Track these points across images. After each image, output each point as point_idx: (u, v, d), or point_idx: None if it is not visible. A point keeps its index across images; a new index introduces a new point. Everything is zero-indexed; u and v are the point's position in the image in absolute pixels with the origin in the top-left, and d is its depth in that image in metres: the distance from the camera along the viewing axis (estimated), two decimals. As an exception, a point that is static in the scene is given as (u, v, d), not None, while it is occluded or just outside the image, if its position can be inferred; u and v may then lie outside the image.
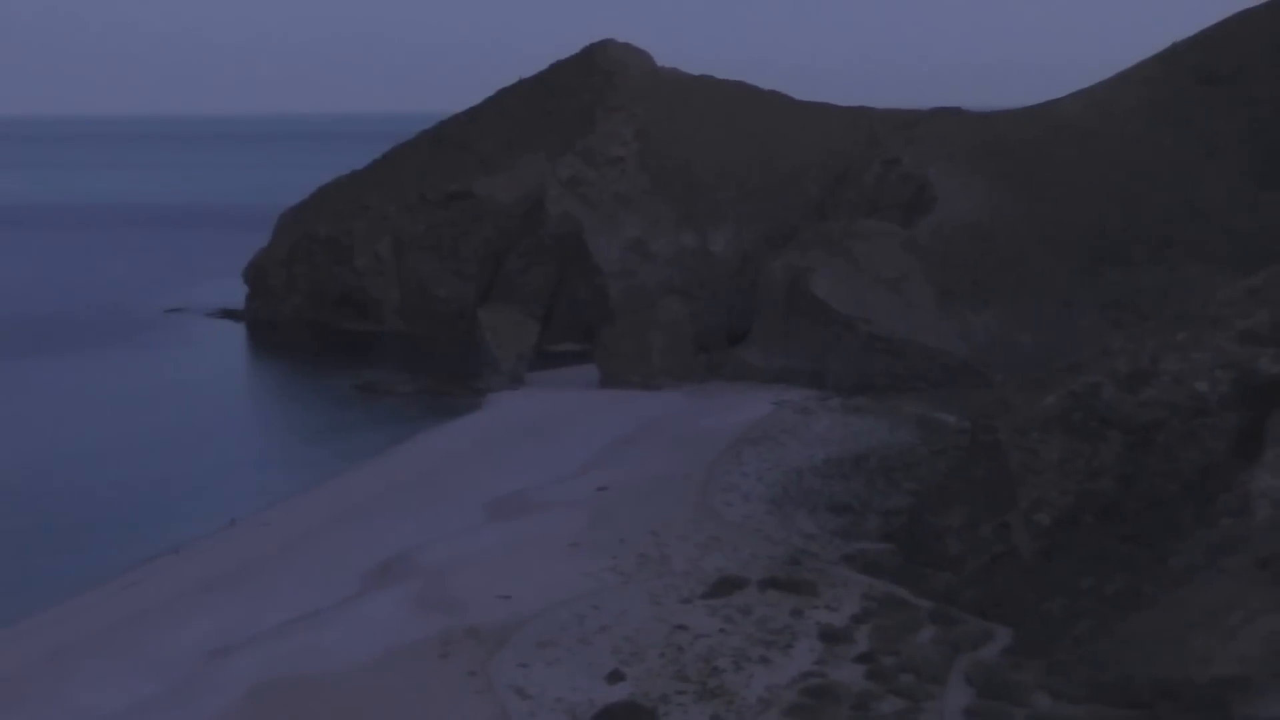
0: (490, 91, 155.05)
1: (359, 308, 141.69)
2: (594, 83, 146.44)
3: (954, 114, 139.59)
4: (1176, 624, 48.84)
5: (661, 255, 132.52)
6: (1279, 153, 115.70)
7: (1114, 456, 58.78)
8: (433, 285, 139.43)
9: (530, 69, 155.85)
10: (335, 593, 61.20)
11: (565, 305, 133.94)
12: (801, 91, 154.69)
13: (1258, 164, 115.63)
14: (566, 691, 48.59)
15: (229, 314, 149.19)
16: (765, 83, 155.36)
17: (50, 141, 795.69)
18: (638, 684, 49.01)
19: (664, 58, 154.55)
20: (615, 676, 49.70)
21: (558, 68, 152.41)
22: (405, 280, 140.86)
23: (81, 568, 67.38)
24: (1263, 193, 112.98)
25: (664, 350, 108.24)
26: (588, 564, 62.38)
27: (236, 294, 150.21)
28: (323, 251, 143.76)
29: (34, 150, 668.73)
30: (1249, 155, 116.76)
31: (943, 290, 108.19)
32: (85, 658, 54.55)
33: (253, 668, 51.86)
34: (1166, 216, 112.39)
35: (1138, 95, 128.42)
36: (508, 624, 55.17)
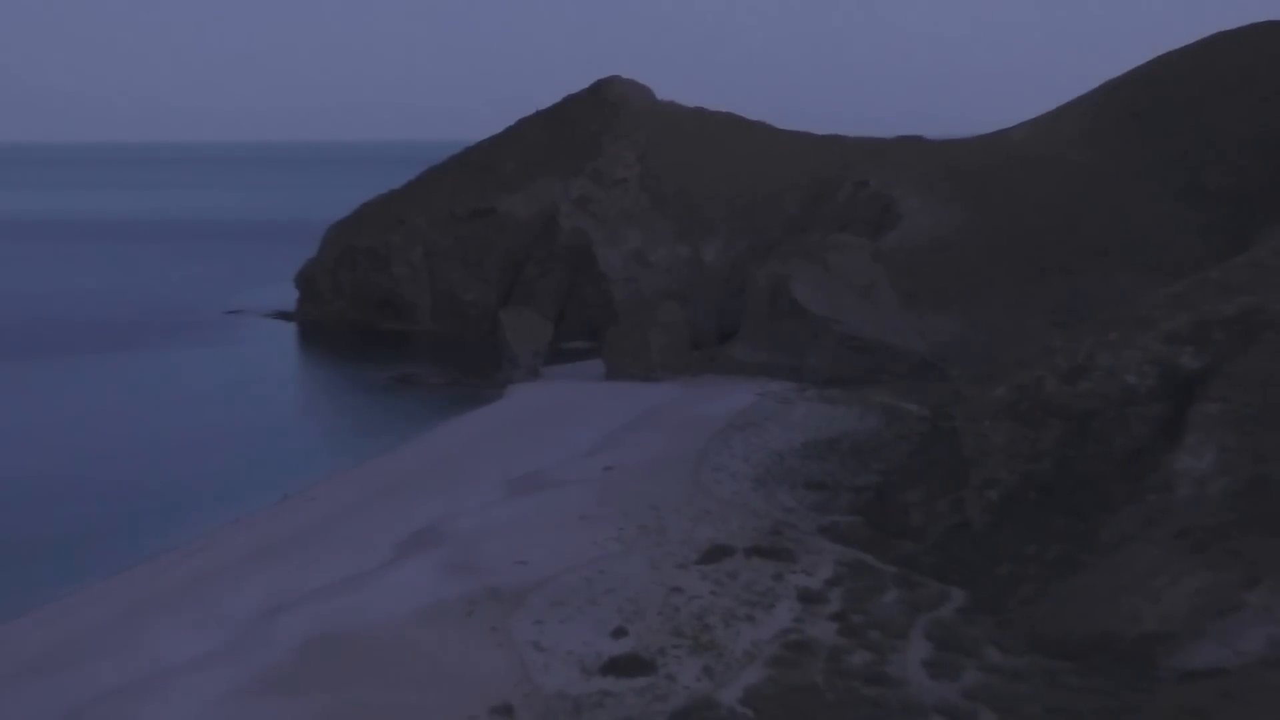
0: (510, 121, 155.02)
1: (396, 310, 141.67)
2: (601, 114, 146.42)
3: (916, 142, 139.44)
4: (1109, 586, 48.87)
5: (660, 264, 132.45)
6: (1197, 175, 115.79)
7: (1054, 441, 58.78)
8: (460, 290, 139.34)
9: (545, 102, 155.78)
10: (374, 559, 61.15)
11: (576, 307, 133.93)
12: (783, 121, 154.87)
13: (1179, 185, 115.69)
14: (577, 645, 48.59)
15: (282, 315, 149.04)
16: (751, 113, 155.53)
17: (123, 165, 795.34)
18: (639, 639, 49.00)
19: (663, 92, 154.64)
20: (619, 632, 49.68)
21: (569, 101, 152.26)
22: (436, 286, 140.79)
23: (153, 537, 67.35)
24: (1184, 211, 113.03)
25: (662, 347, 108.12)
26: (595, 534, 62.32)
27: (289, 298, 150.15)
28: (364, 260, 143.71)
29: (108, 172, 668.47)
30: (1172, 178, 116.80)
31: (906, 295, 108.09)
32: (157, 614, 54.55)
33: (302, 624, 51.83)
34: (1101, 231, 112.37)
35: (1077, 126, 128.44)
36: (525, 586, 55.14)
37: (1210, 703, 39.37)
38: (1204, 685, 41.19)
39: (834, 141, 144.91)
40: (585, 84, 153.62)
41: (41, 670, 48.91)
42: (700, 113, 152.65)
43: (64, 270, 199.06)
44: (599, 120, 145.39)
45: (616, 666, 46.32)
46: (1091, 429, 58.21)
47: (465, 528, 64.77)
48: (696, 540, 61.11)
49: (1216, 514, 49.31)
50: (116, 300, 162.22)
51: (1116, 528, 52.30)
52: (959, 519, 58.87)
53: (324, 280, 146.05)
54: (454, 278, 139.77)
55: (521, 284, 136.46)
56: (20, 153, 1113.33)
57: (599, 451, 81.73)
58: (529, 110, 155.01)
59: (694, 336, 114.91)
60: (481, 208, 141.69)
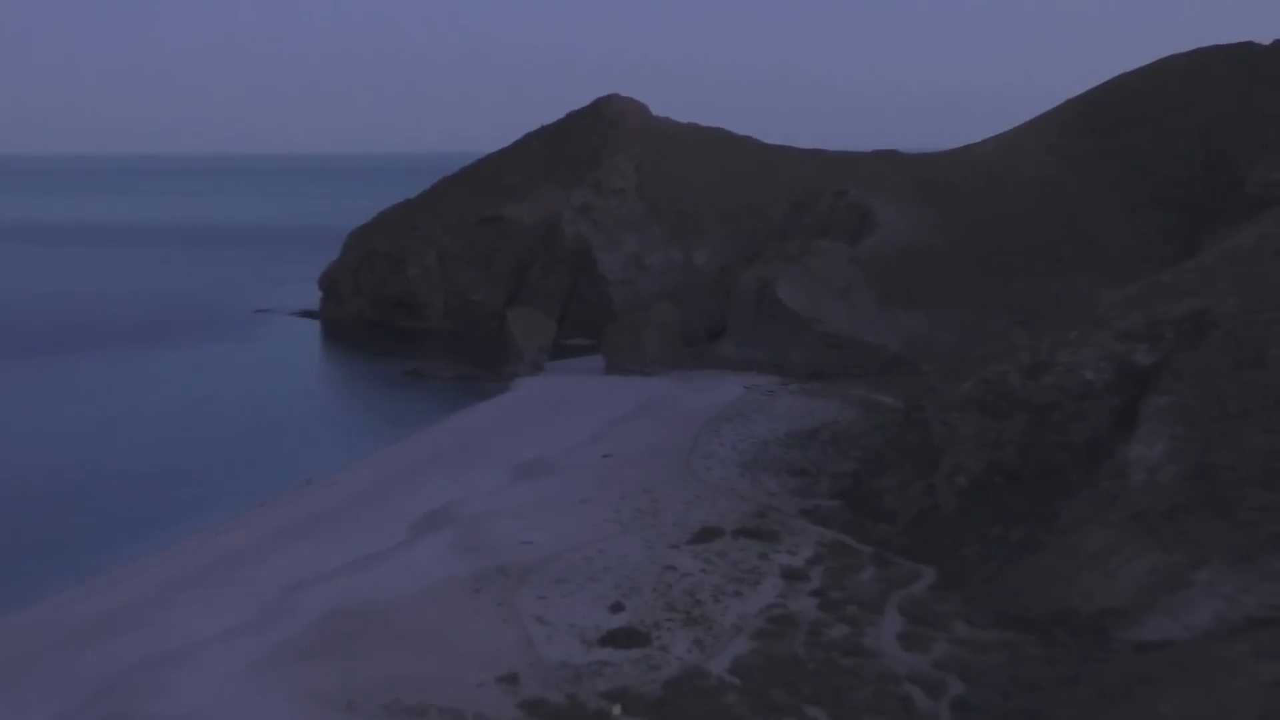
0: (517, 135, 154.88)
1: (410, 309, 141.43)
2: (601, 129, 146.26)
3: (892, 155, 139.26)
4: (1067, 565, 48.85)
5: (655, 267, 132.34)
6: (1149, 186, 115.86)
7: (1018, 431, 58.72)
8: (470, 291, 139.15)
9: (549, 117, 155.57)
10: (389, 539, 61.02)
11: (577, 307, 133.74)
12: (769, 136, 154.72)
13: (1131, 196, 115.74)
14: (578, 619, 48.52)
15: (306, 314, 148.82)
16: (740, 129, 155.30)
17: (156, 175, 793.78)
18: (635, 613, 48.93)
19: (658, 109, 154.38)
20: (617, 607, 49.61)
21: (571, 116, 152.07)
22: (448, 287, 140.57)
23: (185, 519, 67.20)
24: (1137, 219, 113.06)
25: (657, 344, 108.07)
26: (595, 516, 62.26)
27: (312, 298, 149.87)
28: (382, 264, 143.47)
29: (141, 182, 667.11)
30: (1126, 189, 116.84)
31: (881, 296, 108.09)
32: (189, 589, 54.47)
33: (322, 599, 51.70)
34: (1061, 237, 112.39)
35: (1038, 140, 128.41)
36: (530, 564, 55.06)
37: (1160, 672, 39.32)
38: (1155, 656, 41.15)
39: (816, 155, 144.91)
40: (586, 101, 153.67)
41: (82, 641, 48.80)
42: (693, 128, 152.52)
43: (99, 273, 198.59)
44: (599, 135, 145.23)
45: (614, 638, 46.27)
46: (1052, 420, 58.17)
47: (474, 510, 64.67)
48: (688, 522, 61.06)
49: (1167, 498, 49.28)
50: (150, 301, 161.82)
51: (1075, 511, 52.25)
52: (930, 503, 58.85)
53: (345, 282, 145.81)
54: (464, 279, 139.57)
55: (527, 285, 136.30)
56: (59, 163, 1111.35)
57: (598, 440, 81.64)
58: (534, 125, 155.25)
59: (686, 334, 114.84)
60: (490, 215, 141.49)
